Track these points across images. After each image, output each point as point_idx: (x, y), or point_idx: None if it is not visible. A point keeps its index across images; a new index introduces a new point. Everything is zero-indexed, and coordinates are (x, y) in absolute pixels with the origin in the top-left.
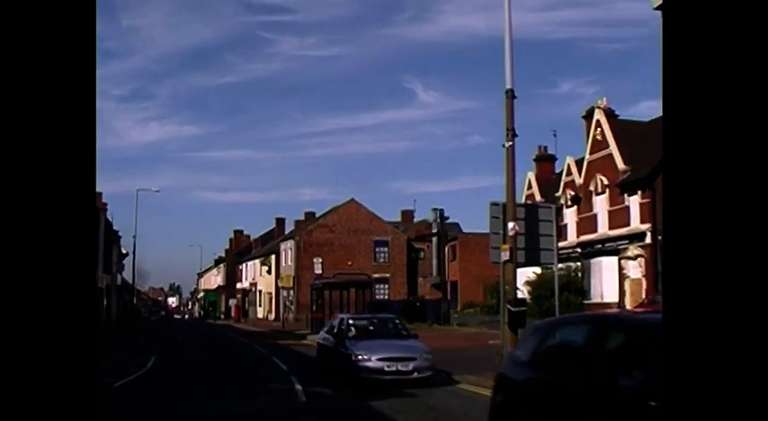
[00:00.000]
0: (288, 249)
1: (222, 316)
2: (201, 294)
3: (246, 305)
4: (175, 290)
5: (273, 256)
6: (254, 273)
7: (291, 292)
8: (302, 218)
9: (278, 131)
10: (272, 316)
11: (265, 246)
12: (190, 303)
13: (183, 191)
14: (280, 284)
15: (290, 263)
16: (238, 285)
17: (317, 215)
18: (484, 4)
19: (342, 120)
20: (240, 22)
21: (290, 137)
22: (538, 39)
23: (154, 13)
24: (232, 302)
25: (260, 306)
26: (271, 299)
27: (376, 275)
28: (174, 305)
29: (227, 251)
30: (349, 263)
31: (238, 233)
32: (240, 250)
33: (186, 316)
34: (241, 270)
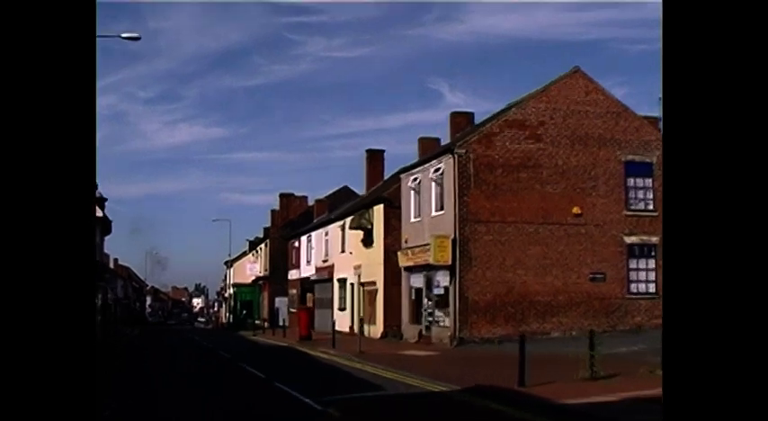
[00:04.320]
0: (428, 183)
1: (265, 323)
2: (231, 291)
3: (312, 306)
4: (201, 290)
5: (379, 208)
6: (326, 251)
7: (445, 277)
8: (436, 136)
9: (304, 133)
10: (378, 327)
11: (350, 202)
12: (216, 304)
13: (210, 192)
14: (408, 261)
15: (432, 211)
16: (292, 274)
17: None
18: (511, 4)
19: (368, 122)
20: (267, 24)
21: (316, 138)
22: (568, 40)
23: (180, 15)
24: (281, 302)
25: (342, 308)
26: (374, 294)
27: (631, 240)
28: (199, 306)
29: (267, 230)
30: (575, 209)
31: (286, 196)
32: (292, 220)
33: (210, 322)
34: (297, 248)
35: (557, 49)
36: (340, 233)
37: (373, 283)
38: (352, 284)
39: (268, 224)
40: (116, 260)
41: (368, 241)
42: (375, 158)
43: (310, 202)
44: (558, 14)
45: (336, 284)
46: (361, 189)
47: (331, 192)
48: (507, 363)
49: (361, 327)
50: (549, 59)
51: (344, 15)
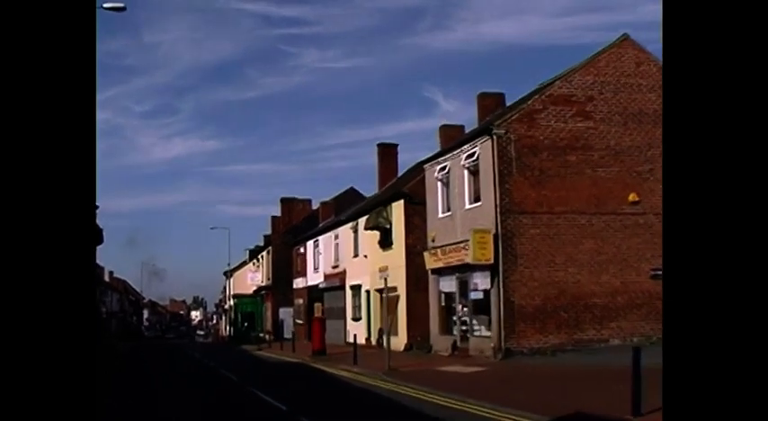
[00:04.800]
0: (460, 171)
1: (269, 336)
2: (232, 302)
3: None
4: (199, 303)
5: (399, 204)
6: (336, 256)
7: (484, 278)
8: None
9: (300, 144)
10: (401, 338)
11: (357, 205)
12: (215, 317)
13: (208, 205)
14: (437, 262)
15: (466, 203)
16: (298, 282)
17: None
18: (503, 11)
19: (364, 132)
20: (261, 36)
21: (312, 149)
22: (560, 44)
23: (175, 28)
24: (286, 313)
25: (356, 318)
26: (395, 301)
27: None
28: (197, 319)
29: (268, 237)
30: (631, 196)
31: (289, 201)
32: (296, 225)
33: (209, 335)
34: (302, 254)
35: (550, 54)
36: (352, 235)
37: (394, 289)
38: (367, 291)
39: (268, 233)
40: (111, 273)
41: (386, 242)
42: (388, 154)
43: (314, 206)
44: (549, 20)
45: (349, 292)
46: (365, 193)
47: (336, 194)
48: (583, 380)
49: (381, 339)
50: (542, 64)
51: (338, 26)
